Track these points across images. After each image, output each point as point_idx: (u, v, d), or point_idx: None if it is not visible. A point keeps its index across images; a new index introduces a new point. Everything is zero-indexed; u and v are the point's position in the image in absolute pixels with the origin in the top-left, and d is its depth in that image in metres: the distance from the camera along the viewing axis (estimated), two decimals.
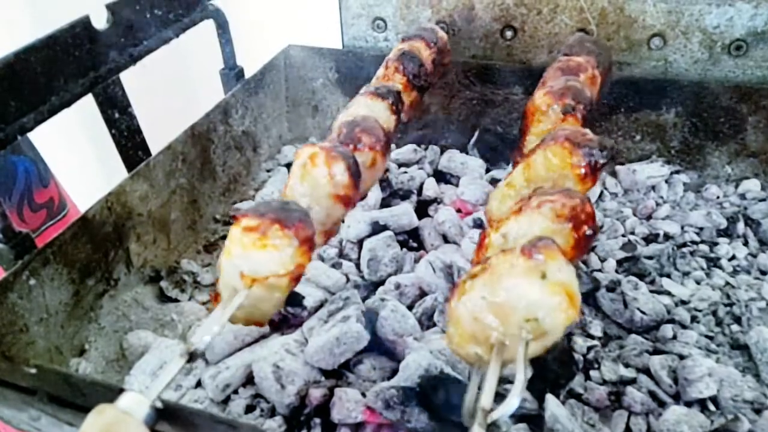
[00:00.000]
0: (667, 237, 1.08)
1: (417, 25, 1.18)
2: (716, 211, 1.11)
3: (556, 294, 0.53)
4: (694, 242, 1.07)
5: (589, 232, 0.61)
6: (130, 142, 0.99)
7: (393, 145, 1.17)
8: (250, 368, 0.81)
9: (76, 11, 0.82)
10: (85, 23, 0.83)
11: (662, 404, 0.80)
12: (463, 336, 0.57)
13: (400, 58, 0.96)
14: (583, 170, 0.69)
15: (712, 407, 0.79)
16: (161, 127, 1.10)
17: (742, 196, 1.16)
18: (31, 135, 1.35)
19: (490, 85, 1.24)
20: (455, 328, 0.58)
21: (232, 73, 1.18)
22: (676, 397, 0.81)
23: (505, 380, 0.71)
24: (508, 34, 1.25)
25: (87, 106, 0.93)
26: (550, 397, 0.77)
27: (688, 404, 0.79)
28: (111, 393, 0.51)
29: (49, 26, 0.79)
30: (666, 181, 1.20)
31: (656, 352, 0.86)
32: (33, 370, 0.57)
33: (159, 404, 0.51)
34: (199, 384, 0.84)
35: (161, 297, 1.00)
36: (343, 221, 1.05)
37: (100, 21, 0.87)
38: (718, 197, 1.17)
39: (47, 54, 0.78)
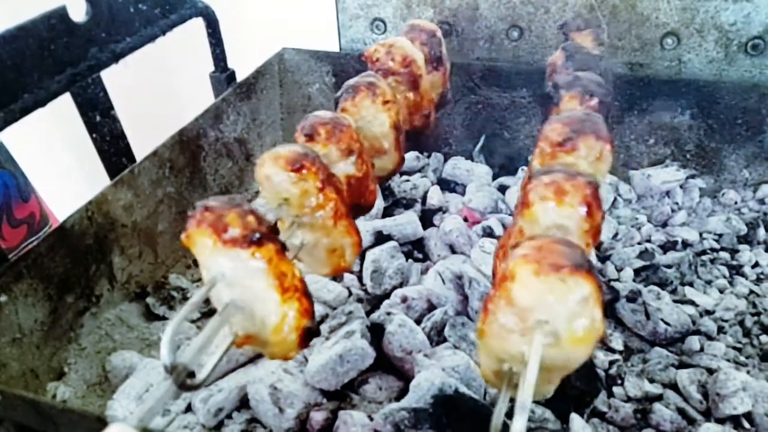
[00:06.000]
0: (686, 244, 1.05)
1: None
2: (735, 216, 1.09)
3: None
4: (714, 249, 1.05)
5: None
6: (113, 147, 0.95)
7: None
8: (244, 390, 0.78)
9: (51, 1, 0.77)
10: (61, 14, 0.80)
11: (692, 422, 0.76)
12: None
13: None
14: None
15: (746, 425, 0.75)
16: (147, 132, 1.08)
17: (761, 201, 1.14)
18: (9, 146, 1.31)
19: (496, 88, 1.21)
20: None
21: (222, 76, 1.14)
22: (707, 414, 0.77)
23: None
24: (514, 34, 1.23)
25: (66, 109, 0.89)
26: (575, 417, 0.73)
27: (720, 421, 0.75)
28: (87, 421, 0.48)
29: (21, 17, 0.75)
30: (681, 187, 1.17)
31: (682, 365, 0.83)
32: None
33: None
34: (189, 408, 0.80)
35: (147, 315, 0.96)
36: None
37: (79, 13, 0.83)
38: (735, 202, 1.15)
39: (18, 47, 0.74)
